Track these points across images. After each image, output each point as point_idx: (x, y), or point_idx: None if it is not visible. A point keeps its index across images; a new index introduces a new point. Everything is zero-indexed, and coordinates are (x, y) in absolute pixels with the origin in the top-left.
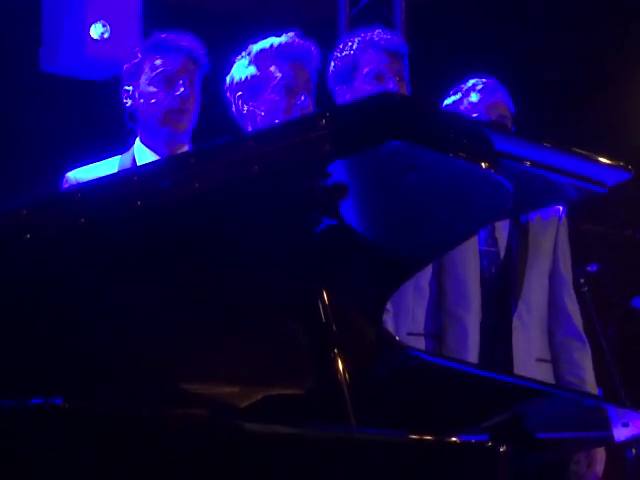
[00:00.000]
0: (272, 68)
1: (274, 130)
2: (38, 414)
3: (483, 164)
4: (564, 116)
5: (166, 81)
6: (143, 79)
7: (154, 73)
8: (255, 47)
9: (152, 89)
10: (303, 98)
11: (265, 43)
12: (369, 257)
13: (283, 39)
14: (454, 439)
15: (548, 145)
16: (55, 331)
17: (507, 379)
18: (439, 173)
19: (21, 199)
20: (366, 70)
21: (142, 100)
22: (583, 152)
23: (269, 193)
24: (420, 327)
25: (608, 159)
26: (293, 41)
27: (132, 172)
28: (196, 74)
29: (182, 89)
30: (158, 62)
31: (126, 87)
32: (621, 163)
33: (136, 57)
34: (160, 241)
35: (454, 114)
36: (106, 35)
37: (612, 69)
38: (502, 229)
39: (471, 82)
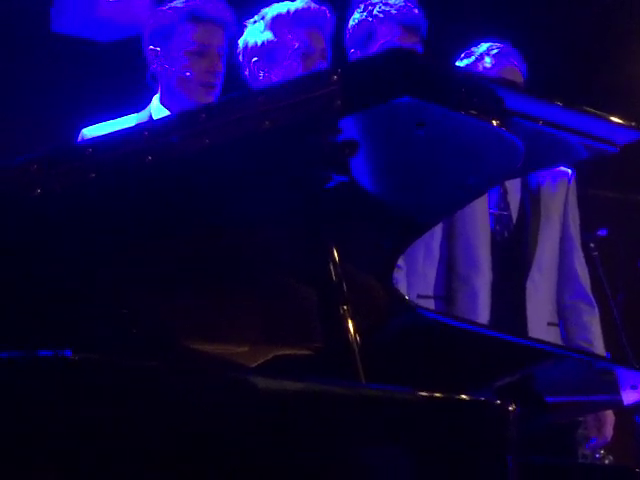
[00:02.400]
0: (289, 34)
1: (285, 86)
2: (48, 365)
3: (494, 121)
4: (575, 78)
5: (200, 55)
6: (174, 46)
7: (189, 44)
8: (270, 12)
9: (185, 59)
10: (320, 64)
11: (281, 8)
12: (379, 215)
13: (299, 4)
14: (463, 396)
15: (559, 103)
16: (63, 286)
17: (517, 340)
18: (450, 130)
19: (31, 154)
20: (381, 41)
21: (172, 67)
22: (594, 111)
23: (279, 149)
24: (430, 289)
25: (619, 118)
26: (309, 6)
27: (142, 127)
28: (226, 43)
29: (215, 63)
30: (193, 32)
31: (152, 47)
32: (632, 123)
33: (167, 18)
34: (170, 196)
35: (465, 71)
36: None
37: (622, 32)
38: (514, 193)
39: (485, 46)
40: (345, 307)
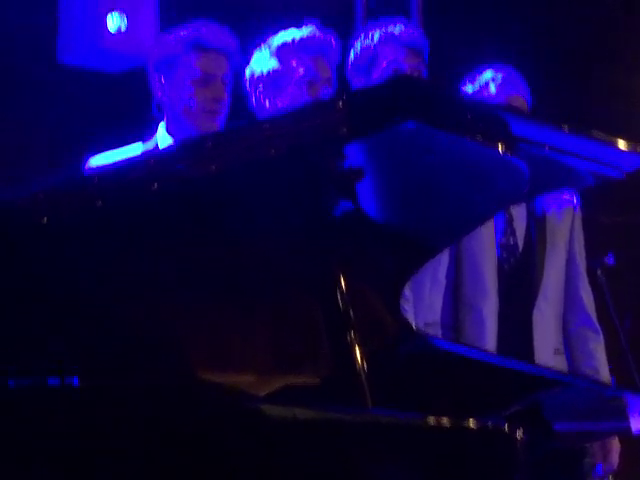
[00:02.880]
0: (294, 62)
1: (290, 114)
2: (54, 393)
3: (499, 147)
4: (578, 99)
5: (205, 83)
6: (179, 74)
7: (193, 72)
8: (276, 40)
9: (189, 88)
10: (325, 91)
11: (286, 36)
12: (386, 240)
13: (304, 32)
14: (470, 423)
15: (565, 128)
16: (71, 312)
17: (525, 367)
18: (455, 155)
19: (38, 183)
20: (385, 64)
21: (176, 95)
22: (600, 135)
23: (285, 175)
24: (437, 316)
25: (626, 143)
26: (314, 34)
27: (148, 155)
28: (230, 72)
29: (220, 91)
30: (197, 61)
31: (156, 76)
32: (639, 148)
33: (171, 47)
34: (177, 223)
35: (470, 97)
36: (123, 28)
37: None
38: (520, 220)
39: (489, 74)
40: (353, 333)
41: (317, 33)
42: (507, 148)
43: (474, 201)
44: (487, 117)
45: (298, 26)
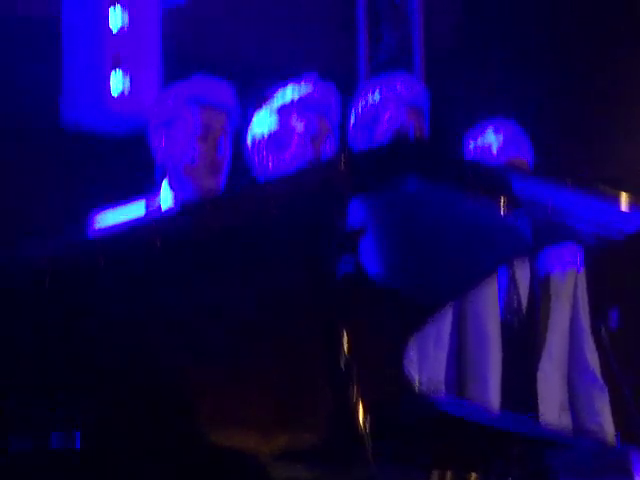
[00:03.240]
0: (294, 120)
1: (292, 173)
2: (57, 457)
3: (501, 204)
4: (581, 159)
5: (204, 138)
6: (178, 132)
7: (192, 129)
8: (275, 100)
9: (189, 144)
10: (328, 144)
11: (286, 96)
12: (388, 298)
13: (303, 90)
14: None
15: (567, 185)
16: (74, 371)
17: (530, 429)
18: (457, 213)
19: (42, 246)
20: (386, 122)
21: (177, 153)
22: (602, 191)
23: (288, 235)
24: (441, 375)
25: (628, 198)
26: (313, 92)
27: (150, 218)
28: (230, 128)
29: (220, 146)
30: (195, 117)
31: (157, 135)
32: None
33: (168, 107)
34: (178, 285)
35: (472, 155)
36: (126, 90)
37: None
38: (523, 280)
39: (491, 135)
40: (355, 392)
41: (316, 91)
42: (508, 206)
43: (476, 258)
44: (488, 175)
45: (297, 81)
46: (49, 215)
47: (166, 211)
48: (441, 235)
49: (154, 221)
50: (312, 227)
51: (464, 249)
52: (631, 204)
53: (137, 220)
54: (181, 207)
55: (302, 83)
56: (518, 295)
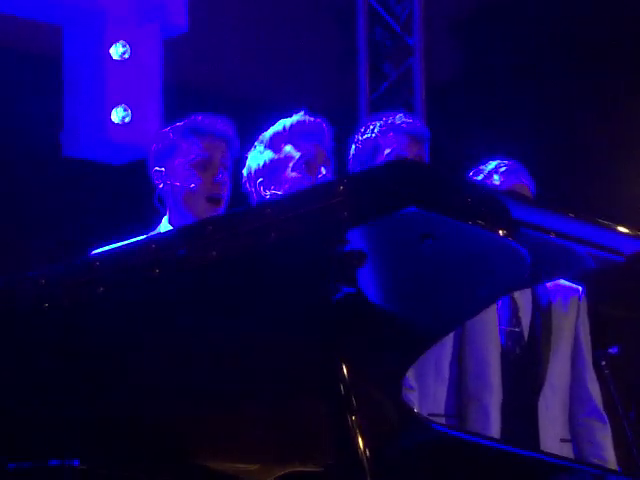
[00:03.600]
0: (288, 148)
1: (291, 198)
2: (57, 476)
3: (501, 232)
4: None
5: (203, 167)
6: (178, 162)
7: (191, 157)
8: (267, 133)
9: (189, 172)
10: (324, 171)
11: (277, 126)
12: (387, 326)
13: (294, 119)
14: None
15: (565, 213)
16: (68, 396)
17: (530, 454)
18: (457, 240)
19: (40, 269)
20: (387, 152)
21: (177, 183)
22: (600, 220)
23: (286, 260)
24: (441, 408)
25: (625, 227)
26: (304, 120)
27: (149, 241)
28: (229, 159)
29: (220, 176)
30: (195, 146)
31: (157, 168)
32: (638, 232)
33: (168, 138)
34: (177, 310)
35: (471, 181)
36: (127, 119)
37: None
38: (525, 309)
39: (493, 164)
40: (355, 422)
41: (307, 118)
42: (508, 233)
43: (476, 287)
44: (488, 202)
45: (288, 115)
46: (47, 251)
47: (163, 233)
48: (440, 262)
49: (154, 242)
50: (310, 251)
51: (463, 277)
52: (629, 233)
53: (137, 243)
54: (178, 229)
55: (293, 115)
56: (520, 325)
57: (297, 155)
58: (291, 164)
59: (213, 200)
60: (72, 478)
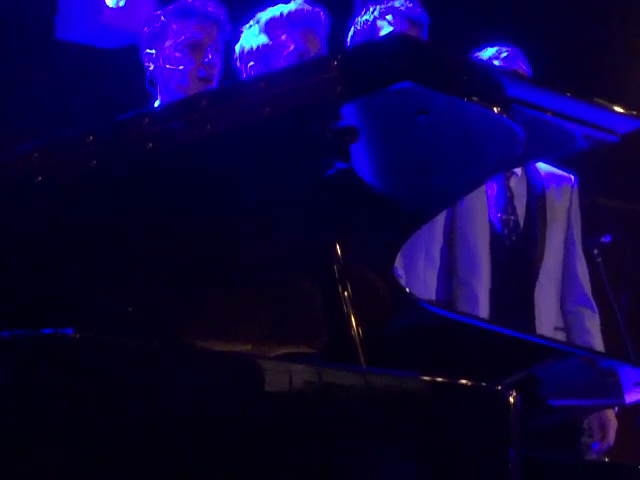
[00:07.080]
0: (283, 37)
1: (285, 72)
2: (50, 343)
3: (495, 108)
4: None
5: (194, 48)
6: (168, 44)
7: (182, 39)
8: (264, 15)
9: (179, 55)
10: None
11: (275, 11)
12: (379, 206)
13: (292, 6)
14: (464, 381)
15: (560, 92)
16: (64, 269)
17: (521, 335)
18: (451, 117)
19: (32, 142)
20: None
21: (167, 65)
22: (595, 99)
23: (280, 135)
24: (431, 294)
25: (621, 108)
26: (303, 8)
27: (143, 114)
28: (220, 41)
29: (210, 56)
30: (185, 28)
31: (148, 50)
32: (633, 112)
33: (159, 21)
34: (171, 185)
35: (467, 58)
36: (121, 3)
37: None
38: (520, 197)
39: (492, 50)
40: (348, 301)
41: (305, 7)
42: (503, 110)
43: (469, 165)
44: (484, 78)
45: (286, 1)
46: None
47: (157, 107)
48: (433, 139)
49: (147, 116)
50: (304, 127)
51: (456, 155)
52: (624, 112)
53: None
54: (171, 103)
55: (291, 1)
56: (515, 212)
57: (291, 46)
58: (284, 55)
59: (203, 81)
60: (64, 346)
